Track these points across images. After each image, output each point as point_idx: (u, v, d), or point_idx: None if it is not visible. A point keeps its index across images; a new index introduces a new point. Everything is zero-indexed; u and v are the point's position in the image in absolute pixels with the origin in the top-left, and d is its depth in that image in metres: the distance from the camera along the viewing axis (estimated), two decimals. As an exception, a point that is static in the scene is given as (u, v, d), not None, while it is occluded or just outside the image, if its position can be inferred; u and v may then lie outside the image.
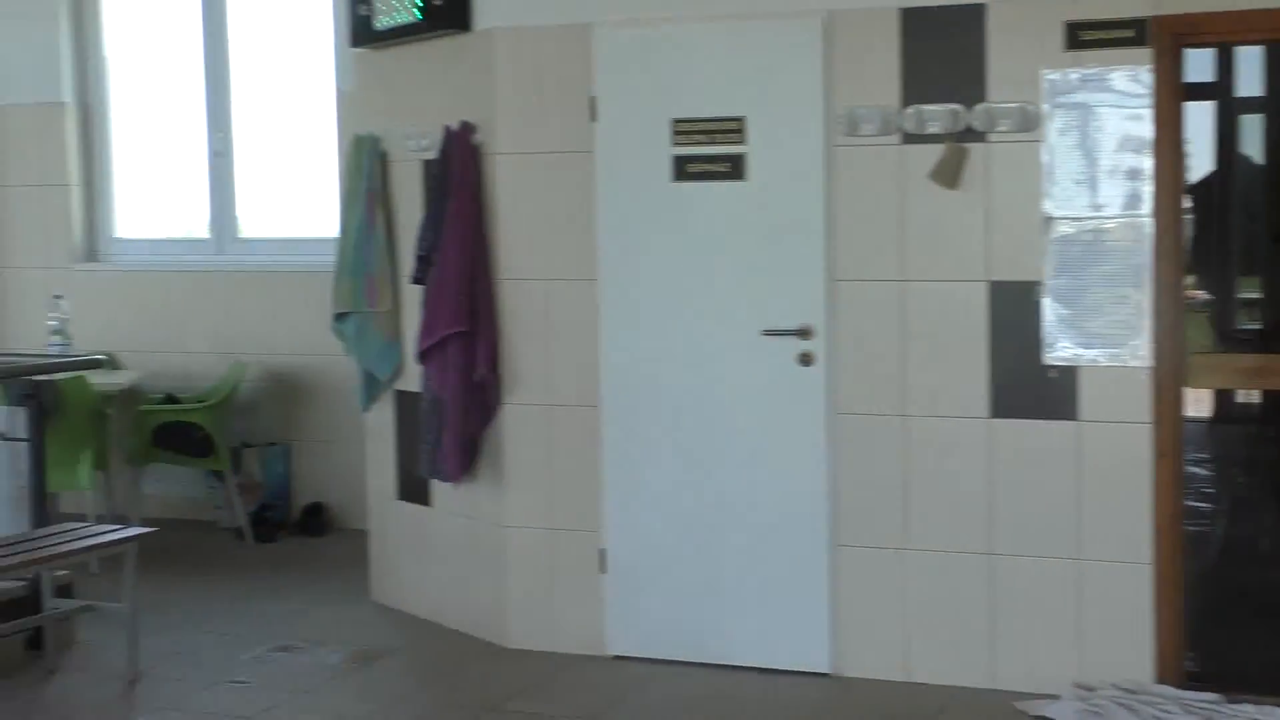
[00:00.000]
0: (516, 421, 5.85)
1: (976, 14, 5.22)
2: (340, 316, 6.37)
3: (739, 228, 5.55)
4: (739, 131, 5.50)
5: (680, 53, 5.59)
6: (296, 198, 8.40)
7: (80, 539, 5.65)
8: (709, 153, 5.53)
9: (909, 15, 5.29)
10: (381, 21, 6.14)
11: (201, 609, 6.52)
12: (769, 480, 5.54)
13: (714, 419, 5.60)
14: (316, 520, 8.00)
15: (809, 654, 5.54)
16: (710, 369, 5.60)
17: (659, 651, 5.70)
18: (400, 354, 6.28)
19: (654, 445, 5.67)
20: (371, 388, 6.43)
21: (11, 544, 5.52)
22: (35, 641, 5.77)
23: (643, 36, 5.63)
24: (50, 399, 6.07)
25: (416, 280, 5.98)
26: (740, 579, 5.59)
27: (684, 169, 5.57)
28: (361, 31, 6.32)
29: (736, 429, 5.58)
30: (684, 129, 5.55)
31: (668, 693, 5.43)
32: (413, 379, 6.15)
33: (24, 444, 5.86)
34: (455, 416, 5.80)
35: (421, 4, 5.90)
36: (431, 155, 6.00)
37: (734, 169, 5.51)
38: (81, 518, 6.93)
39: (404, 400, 6.30)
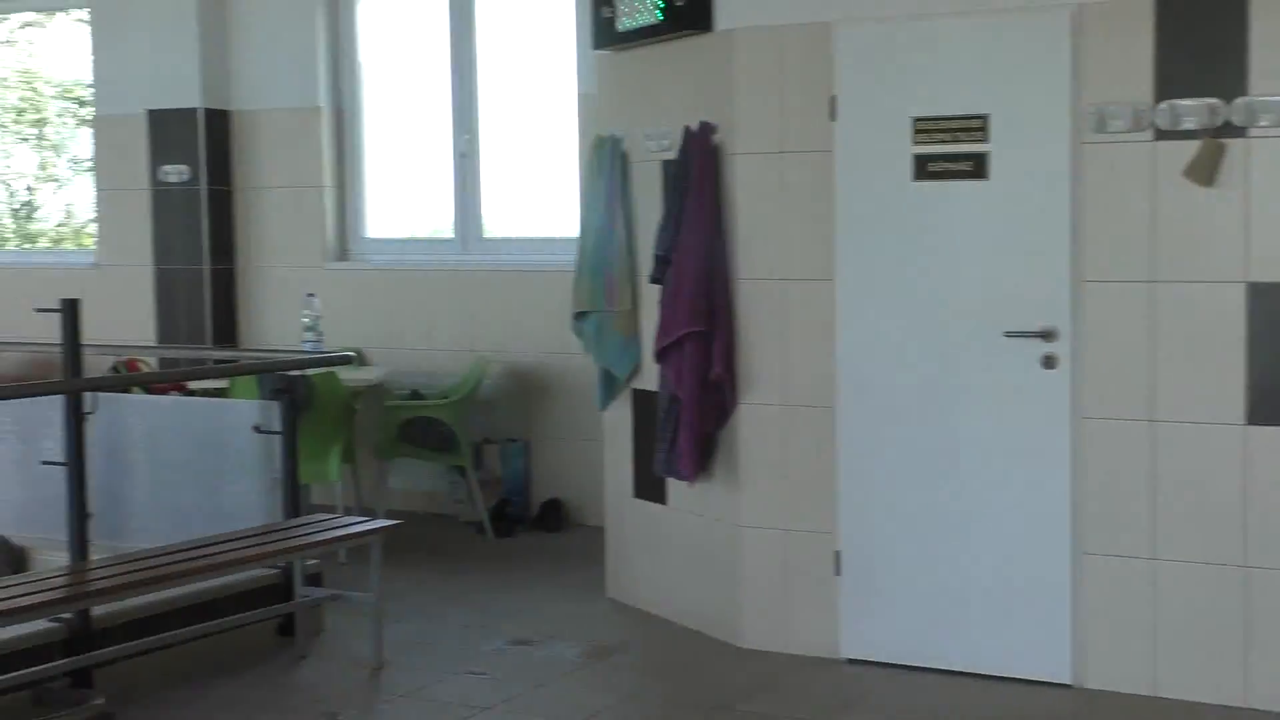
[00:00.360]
0: (752, 421, 5.83)
1: (1238, 2, 5.00)
2: (580, 315, 6.45)
3: (981, 227, 5.43)
4: (982, 130, 5.38)
5: (922, 50, 5.50)
6: (539, 198, 8.53)
7: (330, 530, 5.83)
8: (951, 151, 5.43)
9: (1163, 5, 5.10)
10: (624, 23, 6.19)
11: (442, 601, 6.66)
12: (1010, 485, 5.41)
13: (953, 421, 5.49)
14: (554, 516, 8.11)
15: (1050, 664, 5.39)
16: (950, 371, 5.50)
17: (894, 656, 5.62)
18: (638, 353, 6.32)
19: (891, 447, 5.59)
20: (609, 386, 6.48)
21: (265, 533, 5.73)
22: (286, 627, 5.97)
23: (884, 34, 5.55)
24: (302, 394, 6.26)
25: (655, 280, 6.01)
26: (980, 585, 5.47)
27: (925, 168, 5.48)
28: (604, 34, 6.38)
29: (977, 432, 5.46)
30: (925, 127, 5.46)
31: (902, 699, 5.35)
32: (650, 378, 6.19)
33: (277, 437, 6.05)
34: (691, 415, 5.81)
35: (663, 5, 5.92)
36: (671, 155, 6.02)
37: (976, 168, 5.40)
38: (330, 509, 7.17)
39: (641, 399, 6.34)
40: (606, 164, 6.37)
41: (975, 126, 5.38)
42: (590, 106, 7.29)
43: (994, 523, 5.44)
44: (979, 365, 5.44)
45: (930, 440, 5.53)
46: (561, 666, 5.74)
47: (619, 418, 6.54)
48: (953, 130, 5.42)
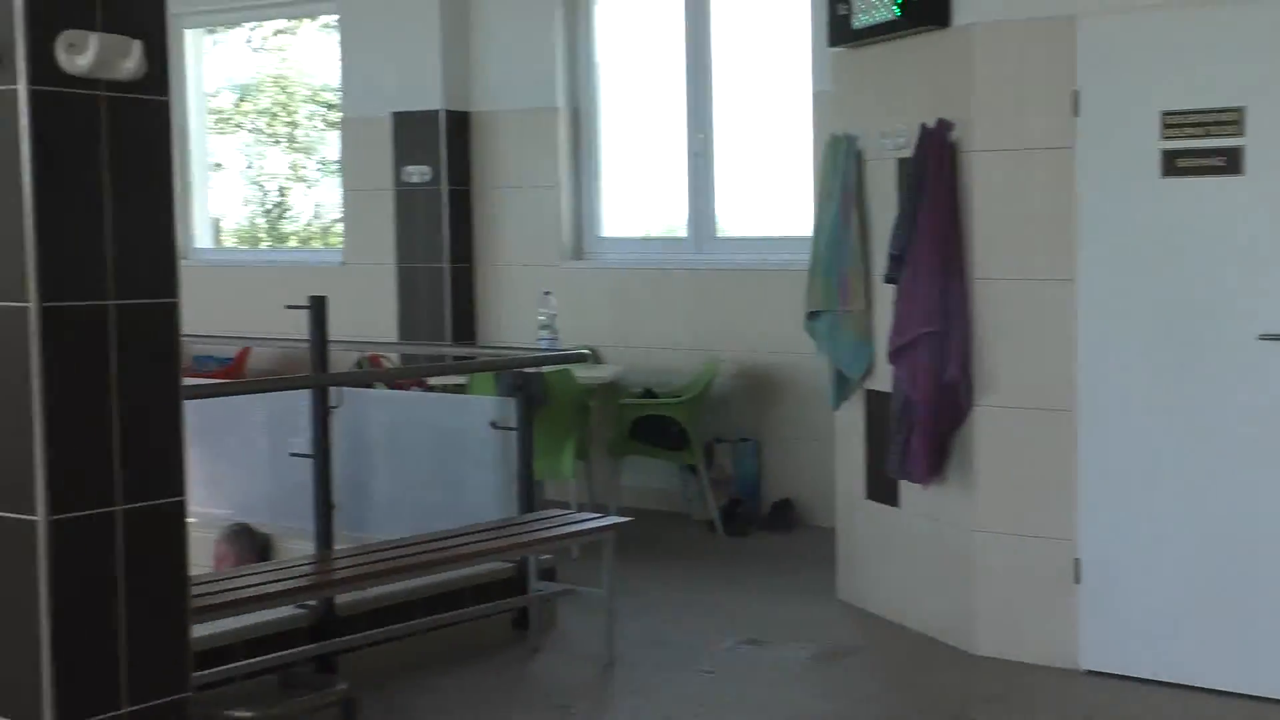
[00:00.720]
0: (988, 424, 5.71)
1: None
2: (813, 315, 6.40)
3: (1235, 225, 5.21)
4: (1236, 123, 5.16)
5: (1172, 42, 5.30)
6: (773, 197, 8.50)
7: (563, 525, 5.91)
8: (1202, 146, 5.22)
9: None
10: (860, 20, 6.12)
11: (673, 598, 6.69)
12: (1266, 493, 5.18)
13: (1203, 427, 5.28)
14: (785, 516, 8.08)
15: (1306, 684, 5.15)
16: (1199, 374, 5.29)
17: (1137, 670, 5.43)
18: (871, 353, 6.25)
19: (1136, 453, 5.41)
20: (842, 386, 6.42)
21: (501, 528, 5.83)
22: (521, 621, 6.07)
23: (1131, 25, 5.38)
24: (538, 390, 6.35)
25: (889, 279, 5.93)
26: (1233, 599, 5.25)
27: (1173, 164, 5.29)
28: (839, 31, 6.32)
29: (1229, 438, 5.24)
30: (1174, 121, 5.26)
31: (1142, 714, 5.17)
32: (883, 378, 6.11)
33: (514, 433, 6.15)
34: (925, 417, 5.72)
35: (900, 1, 5.83)
36: (906, 153, 5.94)
37: (1231, 163, 5.18)
38: (564, 505, 7.25)
39: (874, 400, 6.26)
40: (841, 162, 6.32)
41: (1230, 120, 5.17)
42: (825, 104, 7.24)
43: (1249, 532, 5.22)
44: (1231, 369, 5.23)
45: (1178, 446, 5.33)
46: (792, 668, 5.71)
47: (851, 418, 6.47)
48: (1205, 124, 5.21)
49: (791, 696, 5.42)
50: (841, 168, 6.31)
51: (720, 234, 8.68)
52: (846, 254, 6.25)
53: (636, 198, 9.12)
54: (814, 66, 7.83)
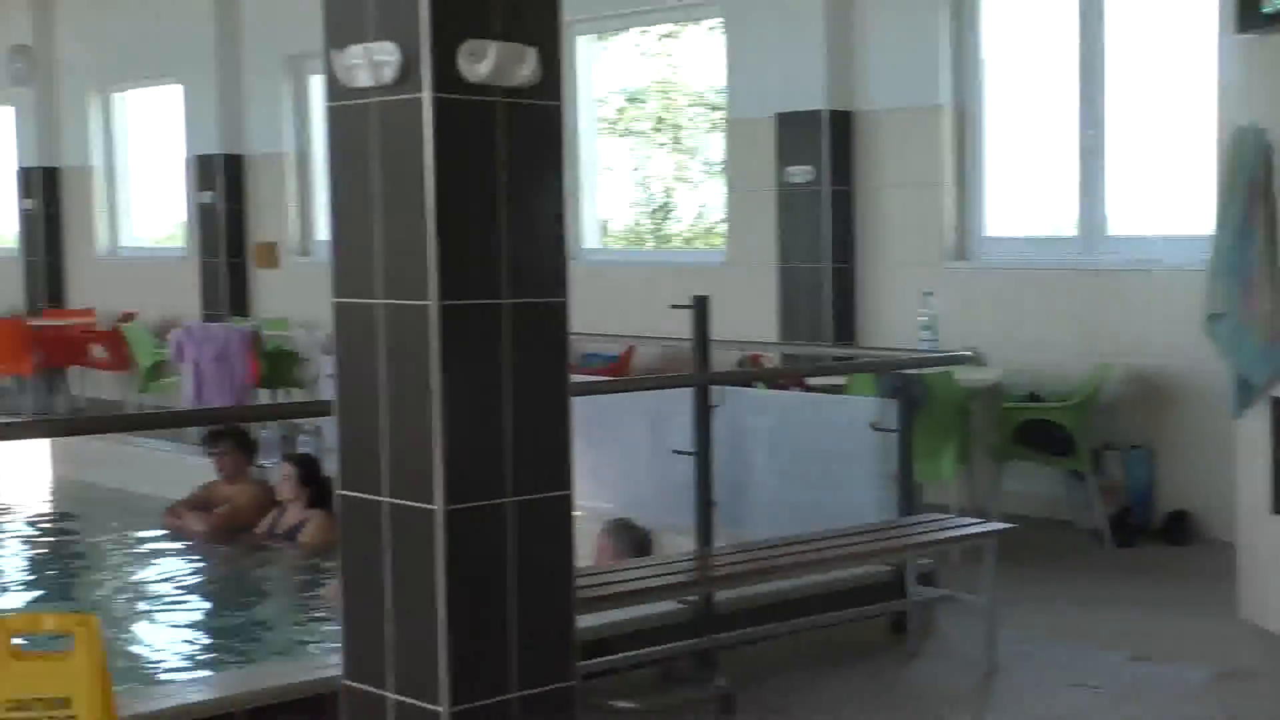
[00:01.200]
0: None
1: None
2: (1214, 317, 6.09)
3: None
4: None
5: None
6: (1170, 194, 8.12)
7: (943, 529, 5.80)
8: None
9: None
10: (1274, 3, 5.77)
11: (1057, 609, 6.47)
12: None
13: None
14: (1179, 528, 7.70)
15: None
16: None
17: None
18: (1278, 358, 5.88)
19: None
20: (1245, 393, 6.08)
21: (880, 530, 5.77)
22: (899, 625, 5.99)
23: None
24: (918, 392, 6.26)
25: (1300, 280, 5.58)
26: None
27: None
28: (1248, 16, 5.98)
29: None
30: None
31: None
32: (1292, 386, 5.74)
33: (893, 435, 6.07)
34: (1340, 428, 5.35)
35: (1316, -18, 5.48)
36: (1322, 145, 5.56)
37: None
38: (943, 509, 7.11)
39: (1280, 408, 5.90)
40: (1248, 157, 5.97)
41: None
42: (1232, 95, 6.85)
43: None
44: None
45: None
46: (1186, 689, 5.43)
47: (1254, 426, 6.10)
48: None
49: (1187, 718, 5.14)
50: (1249, 163, 5.96)
51: (1111, 233, 8.34)
52: (1252, 253, 5.92)
53: (1022, 197, 8.87)
54: (1220, 56, 7.43)
